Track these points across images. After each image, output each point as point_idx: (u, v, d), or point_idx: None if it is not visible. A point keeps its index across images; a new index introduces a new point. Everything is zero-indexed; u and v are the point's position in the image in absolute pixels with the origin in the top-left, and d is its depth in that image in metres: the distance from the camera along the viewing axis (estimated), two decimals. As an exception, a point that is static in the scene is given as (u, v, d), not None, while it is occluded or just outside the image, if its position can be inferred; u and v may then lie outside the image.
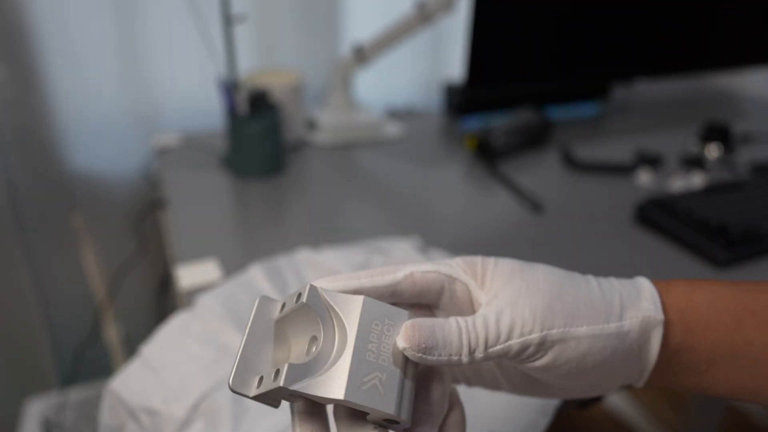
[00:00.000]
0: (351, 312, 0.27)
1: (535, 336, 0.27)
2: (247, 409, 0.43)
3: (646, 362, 0.29)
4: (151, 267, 1.10)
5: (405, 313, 0.28)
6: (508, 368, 0.33)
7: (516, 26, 0.95)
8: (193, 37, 0.96)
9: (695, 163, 0.94)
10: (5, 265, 1.01)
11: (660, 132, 1.10)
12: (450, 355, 0.27)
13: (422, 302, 0.30)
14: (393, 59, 1.15)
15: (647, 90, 1.38)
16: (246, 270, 0.58)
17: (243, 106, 0.80)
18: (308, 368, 0.26)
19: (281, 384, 0.25)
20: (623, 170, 0.91)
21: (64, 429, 1.04)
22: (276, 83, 0.90)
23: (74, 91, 0.95)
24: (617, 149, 0.99)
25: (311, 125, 1.02)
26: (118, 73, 0.97)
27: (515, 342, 0.27)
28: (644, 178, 0.88)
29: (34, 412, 1.07)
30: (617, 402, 1.52)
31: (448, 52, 1.21)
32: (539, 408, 0.44)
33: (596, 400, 0.51)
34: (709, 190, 0.78)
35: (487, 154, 0.91)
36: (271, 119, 0.82)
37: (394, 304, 0.29)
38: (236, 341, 0.49)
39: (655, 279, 0.31)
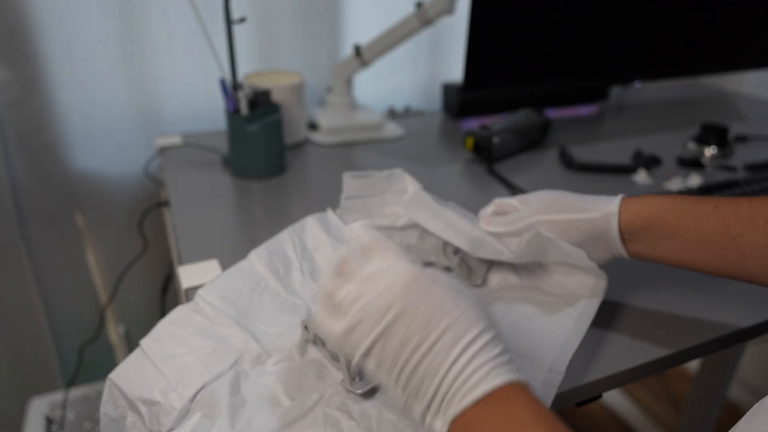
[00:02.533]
0: None
1: (536, 218, 0.54)
2: (244, 402, 0.44)
3: (614, 236, 0.50)
4: (154, 267, 1.11)
5: None
6: None
7: (513, 30, 0.96)
8: (195, 39, 0.97)
9: (692, 163, 0.95)
10: (10, 264, 1.02)
11: (658, 133, 1.11)
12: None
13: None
14: (393, 60, 1.16)
15: (645, 91, 1.39)
16: (245, 258, 0.59)
17: (244, 106, 0.80)
18: None
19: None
20: (621, 171, 0.92)
21: (68, 427, 1.05)
22: (277, 84, 0.90)
23: (78, 92, 0.96)
24: (615, 150, 1.00)
25: (312, 126, 1.03)
26: (122, 74, 0.98)
27: (529, 221, 0.54)
28: (642, 178, 0.89)
29: (38, 411, 1.08)
30: (616, 400, 1.53)
31: (448, 52, 1.22)
32: (551, 367, 0.48)
33: (595, 398, 0.52)
34: (706, 190, 0.79)
35: (487, 155, 0.92)
36: (272, 119, 0.83)
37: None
38: (235, 333, 0.50)
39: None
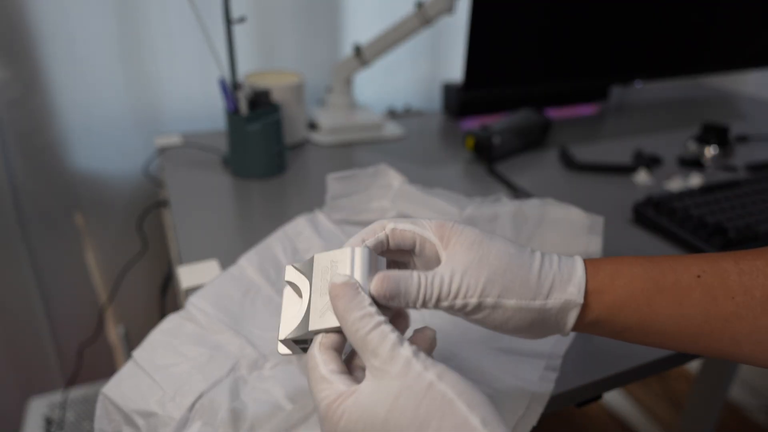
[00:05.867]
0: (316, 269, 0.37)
1: (474, 300, 0.35)
2: (245, 408, 0.43)
3: (563, 330, 0.37)
4: (154, 267, 1.11)
5: (347, 250, 0.36)
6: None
7: (513, 30, 0.96)
8: (195, 38, 0.97)
9: (693, 163, 0.95)
10: (9, 264, 1.02)
11: (658, 133, 1.11)
12: (407, 303, 0.35)
13: (403, 249, 0.38)
14: (393, 59, 1.15)
15: (645, 91, 1.39)
16: (235, 263, 0.59)
17: (244, 106, 0.80)
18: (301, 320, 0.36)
19: (279, 339, 0.37)
20: (622, 171, 0.92)
21: (67, 427, 1.05)
22: (277, 83, 0.90)
23: (77, 92, 0.96)
24: (616, 150, 1.00)
25: (312, 125, 1.03)
26: (121, 74, 0.98)
27: (459, 302, 0.35)
28: (643, 178, 0.88)
29: (37, 411, 1.07)
30: (616, 401, 1.53)
31: (448, 52, 1.22)
32: (546, 365, 0.48)
33: (595, 398, 0.52)
34: (707, 190, 0.79)
35: (487, 155, 0.92)
36: (271, 119, 0.82)
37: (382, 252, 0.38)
38: (230, 339, 0.50)
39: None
